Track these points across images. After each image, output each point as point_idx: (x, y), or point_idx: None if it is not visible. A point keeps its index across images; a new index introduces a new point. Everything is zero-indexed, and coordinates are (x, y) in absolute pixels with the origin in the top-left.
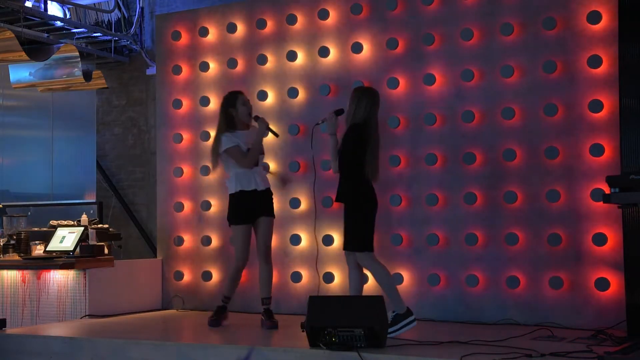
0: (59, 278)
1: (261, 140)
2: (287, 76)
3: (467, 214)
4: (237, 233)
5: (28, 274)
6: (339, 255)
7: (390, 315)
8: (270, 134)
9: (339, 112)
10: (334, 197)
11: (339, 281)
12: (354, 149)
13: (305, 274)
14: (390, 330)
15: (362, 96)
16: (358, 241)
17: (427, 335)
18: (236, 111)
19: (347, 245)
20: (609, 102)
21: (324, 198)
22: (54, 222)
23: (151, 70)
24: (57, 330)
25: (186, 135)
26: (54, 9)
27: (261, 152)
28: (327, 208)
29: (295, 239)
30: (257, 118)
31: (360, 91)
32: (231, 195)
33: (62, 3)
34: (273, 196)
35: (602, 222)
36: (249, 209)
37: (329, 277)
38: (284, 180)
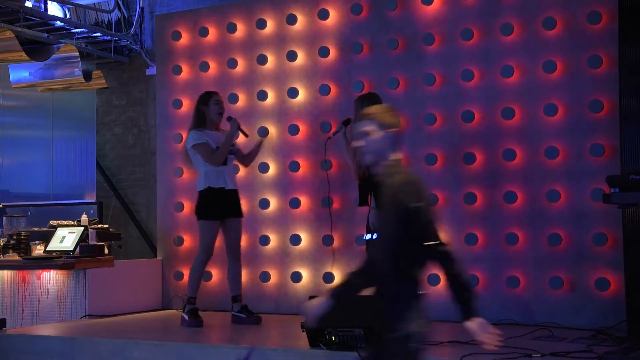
0: (59, 278)
1: (231, 140)
2: (287, 76)
3: (467, 214)
4: (206, 228)
5: (28, 274)
6: (339, 256)
7: None
8: (241, 135)
9: (346, 122)
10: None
11: (338, 281)
12: None
13: (305, 274)
14: None
15: (362, 103)
16: None
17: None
18: (207, 109)
19: None
20: (609, 102)
21: (322, 198)
22: (54, 222)
23: (151, 70)
24: (57, 330)
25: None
26: (54, 9)
27: (232, 153)
28: (326, 208)
29: (295, 239)
30: (229, 118)
31: (360, 99)
32: (199, 192)
33: (62, 3)
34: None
35: (602, 222)
36: (219, 207)
37: (329, 277)
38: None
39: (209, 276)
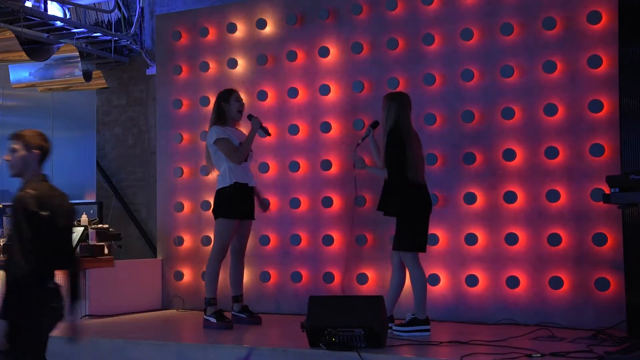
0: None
1: (253, 137)
2: (287, 76)
3: (467, 214)
4: (226, 227)
5: None
6: (339, 256)
7: (408, 316)
8: (263, 133)
9: (374, 125)
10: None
11: (337, 281)
12: (393, 154)
13: (305, 274)
14: (403, 329)
15: (391, 101)
16: (402, 241)
17: (427, 335)
18: (228, 106)
19: (394, 245)
20: (609, 102)
21: (323, 198)
22: None
23: (151, 70)
24: (57, 330)
25: (186, 135)
26: (54, 9)
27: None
28: (327, 208)
29: (295, 239)
30: (250, 117)
31: (389, 97)
32: (223, 189)
33: (62, 3)
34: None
35: (602, 222)
36: (242, 205)
37: (328, 277)
38: (263, 205)
39: None
